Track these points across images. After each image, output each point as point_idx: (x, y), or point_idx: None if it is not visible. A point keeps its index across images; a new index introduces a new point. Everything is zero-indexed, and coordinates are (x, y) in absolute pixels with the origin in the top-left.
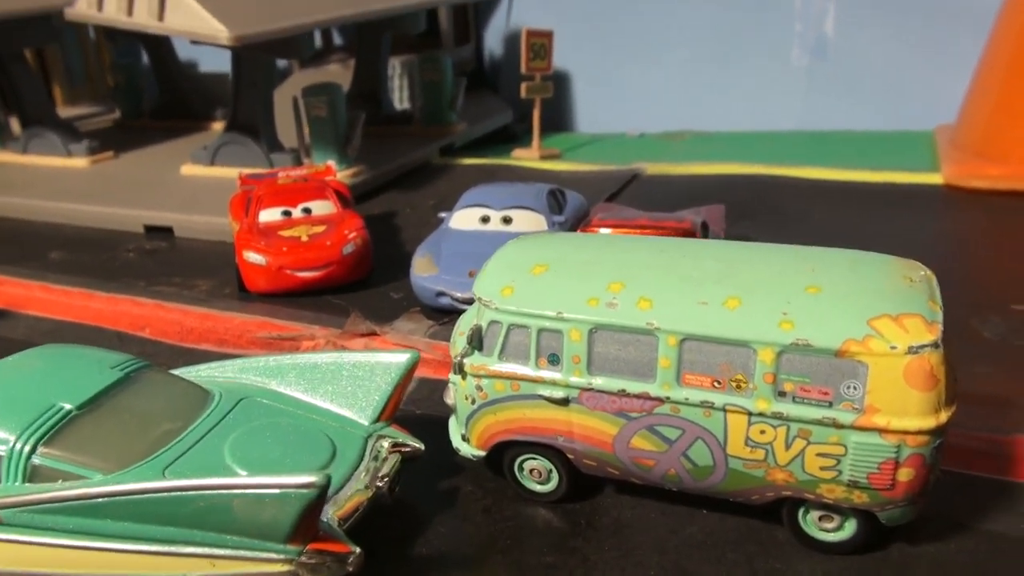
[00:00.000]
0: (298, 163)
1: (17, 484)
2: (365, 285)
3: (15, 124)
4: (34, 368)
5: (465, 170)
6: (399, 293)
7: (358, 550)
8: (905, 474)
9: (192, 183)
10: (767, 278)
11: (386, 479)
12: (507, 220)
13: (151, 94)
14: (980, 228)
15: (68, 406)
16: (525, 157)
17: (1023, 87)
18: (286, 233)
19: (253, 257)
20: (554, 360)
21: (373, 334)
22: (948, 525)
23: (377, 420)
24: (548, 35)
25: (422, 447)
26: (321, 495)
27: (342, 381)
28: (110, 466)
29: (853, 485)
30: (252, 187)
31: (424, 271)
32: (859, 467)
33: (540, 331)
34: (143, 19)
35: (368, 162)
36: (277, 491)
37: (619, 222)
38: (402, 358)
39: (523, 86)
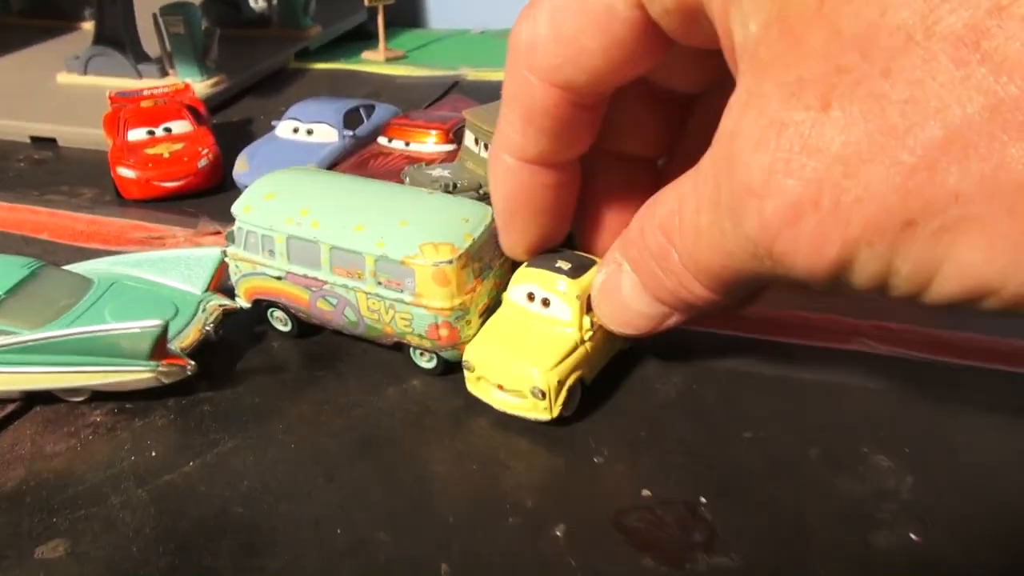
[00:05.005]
0: (164, 73)
1: None
2: (219, 190)
3: None
4: None
5: (315, 75)
6: None
7: (193, 363)
8: (444, 331)
9: (68, 92)
10: (382, 214)
11: (212, 325)
12: (310, 132)
13: None
14: None
15: None
16: (372, 59)
17: None
18: (151, 151)
19: (125, 172)
20: (271, 253)
21: (218, 232)
22: None
23: (206, 290)
24: None
25: (239, 306)
26: (164, 330)
27: (180, 267)
28: (32, 326)
29: (422, 336)
30: (122, 105)
31: (240, 169)
32: (419, 326)
33: (262, 236)
34: None
35: (227, 70)
36: (138, 330)
37: (410, 123)
38: (216, 251)
39: None
